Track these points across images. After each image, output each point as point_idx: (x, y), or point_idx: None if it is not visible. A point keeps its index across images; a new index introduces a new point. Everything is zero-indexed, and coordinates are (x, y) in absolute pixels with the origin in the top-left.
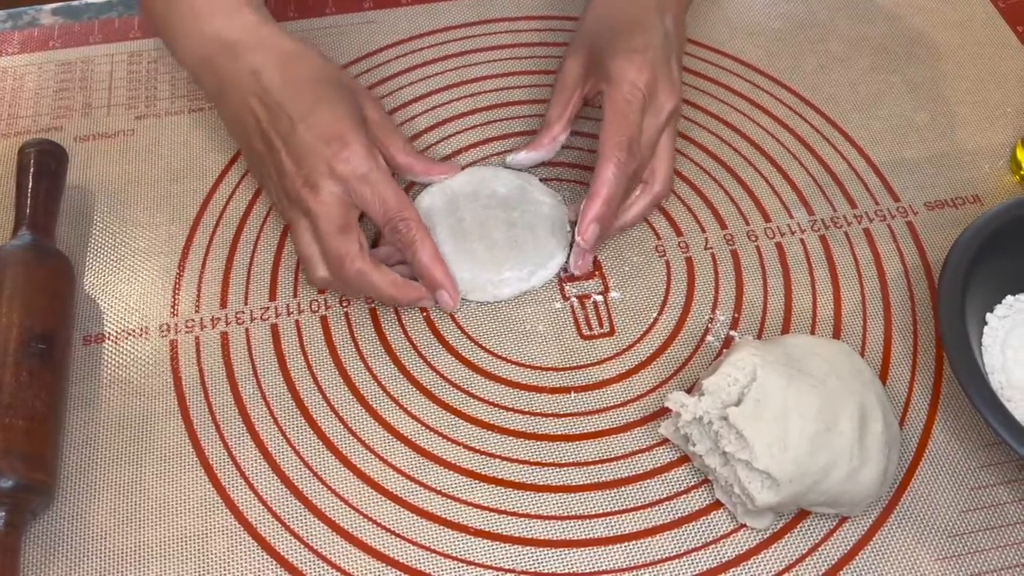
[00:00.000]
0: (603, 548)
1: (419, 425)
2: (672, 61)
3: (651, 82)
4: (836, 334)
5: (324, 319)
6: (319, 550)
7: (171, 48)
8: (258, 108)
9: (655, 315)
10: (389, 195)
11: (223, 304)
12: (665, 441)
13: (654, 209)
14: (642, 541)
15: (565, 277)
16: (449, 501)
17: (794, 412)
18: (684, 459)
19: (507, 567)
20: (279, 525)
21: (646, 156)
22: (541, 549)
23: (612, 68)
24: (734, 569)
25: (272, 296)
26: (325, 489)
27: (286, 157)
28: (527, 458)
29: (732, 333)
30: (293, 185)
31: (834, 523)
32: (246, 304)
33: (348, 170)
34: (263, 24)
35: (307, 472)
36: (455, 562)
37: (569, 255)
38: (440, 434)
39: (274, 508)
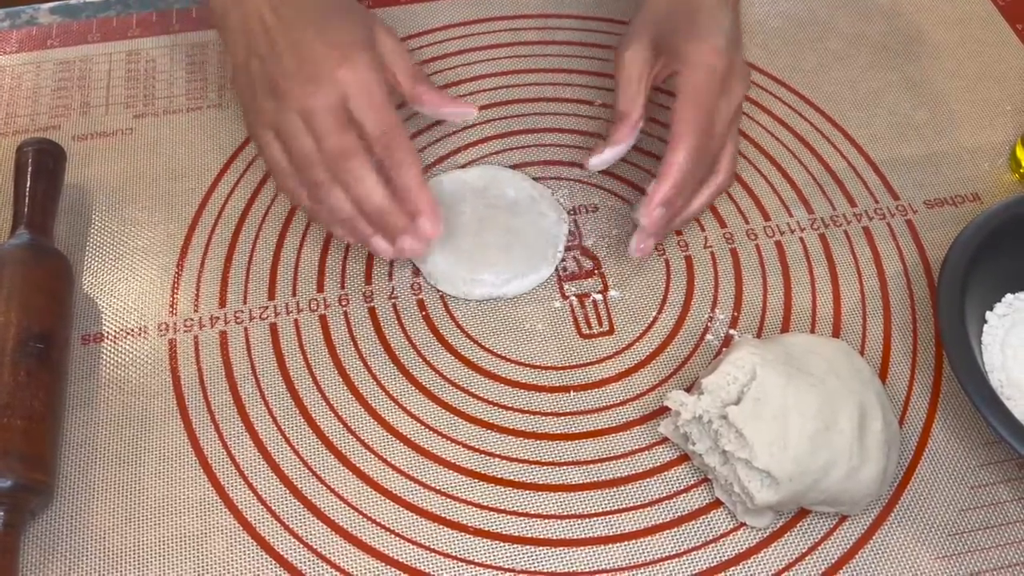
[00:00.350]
0: (602, 547)
1: (418, 424)
2: (739, 50)
3: (727, 68)
4: (835, 333)
5: (323, 318)
6: (318, 549)
7: None
8: (268, 15)
9: (654, 314)
10: (386, 112)
11: (222, 303)
12: (664, 440)
13: (717, 199)
14: (641, 540)
15: (565, 276)
16: (448, 500)
17: (794, 411)
18: (683, 458)
19: (506, 566)
20: (278, 524)
21: (718, 143)
22: (540, 548)
23: (689, 52)
24: (734, 568)
25: (271, 295)
26: (324, 488)
27: (289, 57)
28: (526, 457)
29: (731, 332)
30: (290, 83)
31: (834, 522)
32: (245, 303)
33: (351, 78)
34: None
35: (306, 471)
36: (454, 561)
37: (552, 271)
38: (439, 433)
39: (273, 507)
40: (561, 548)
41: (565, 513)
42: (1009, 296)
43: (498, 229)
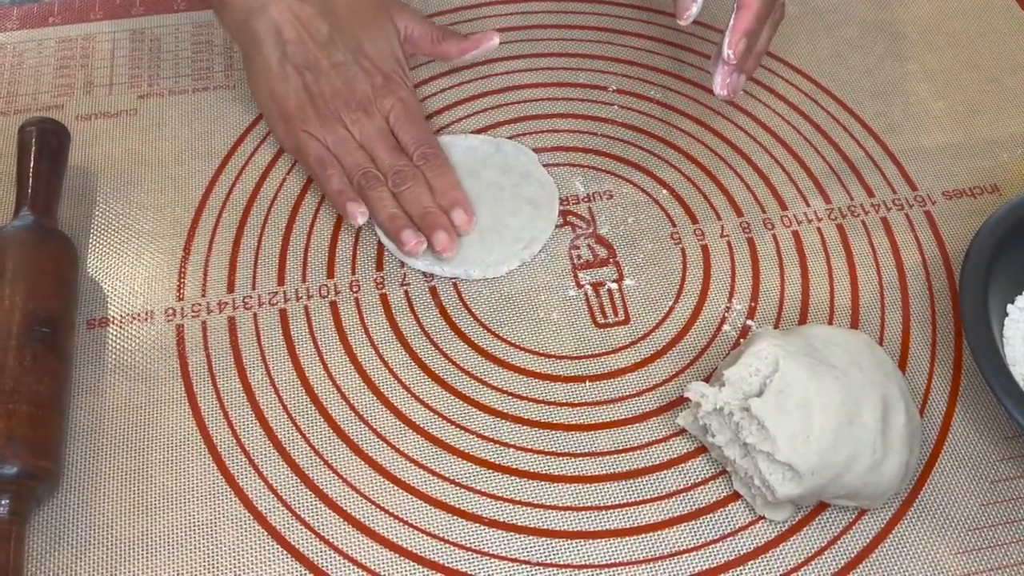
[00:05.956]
0: (619, 540)
1: (431, 413)
2: None
3: None
4: (854, 324)
5: (334, 304)
6: (330, 539)
7: None
8: (299, 29)
9: (671, 303)
10: (422, 127)
11: (230, 288)
12: (682, 431)
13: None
14: (658, 533)
15: (580, 264)
16: (462, 490)
17: (817, 403)
18: (701, 450)
19: (522, 558)
20: (289, 514)
21: None
22: (556, 540)
23: None
24: (752, 562)
25: (280, 281)
26: (336, 477)
27: (334, 77)
28: (541, 448)
29: (749, 322)
30: (337, 104)
31: (853, 516)
32: (254, 288)
33: (391, 102)
34: None
35: (317, 460)
36: (468, 552)
37: (506, 272)
38: (453, 422)
39: (284, 496)
40: (577, 540)
41: (581, 505)
42: None
43: (481, 215)
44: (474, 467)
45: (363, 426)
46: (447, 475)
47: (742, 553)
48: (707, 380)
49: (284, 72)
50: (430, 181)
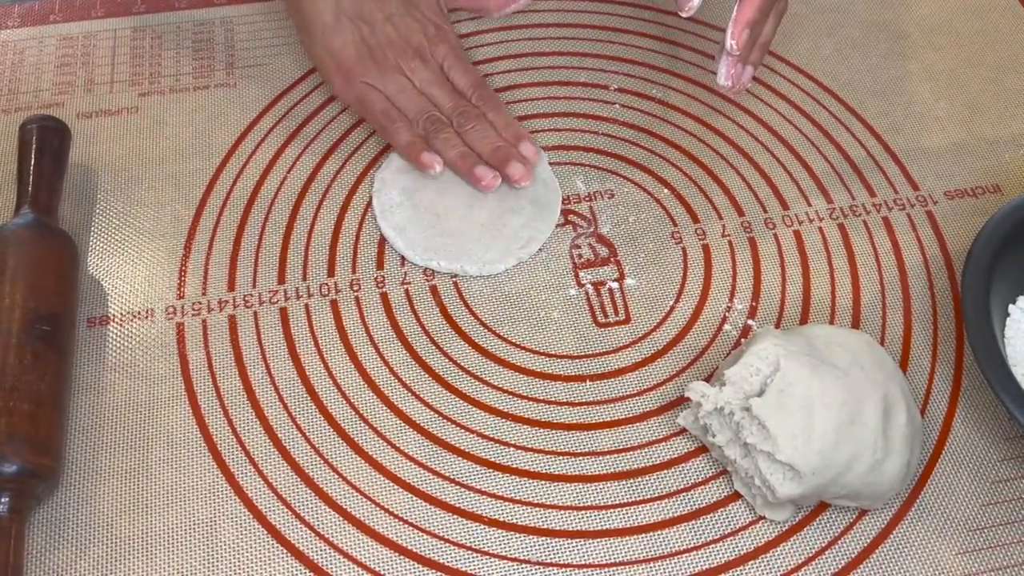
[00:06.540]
0: (619, 539)
1: (431, 412)
2: None
3: None
4: (855, 324)
5: (334, 303)
6: (329, 538)
7: None
8: None
9: (671, 303)
10: (473, 72)
11: (231, 287)
12: (682, 431)
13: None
14: (658, 532)
15: (581, 263)
16: (462, 489)
17: (818, 403)
18: (701, 449)
19: (521, 557)
20: (289, 512)
21: None
22: (556, 539)
23: None
24: (752, 562)
25: (281, 279)
26: (336, 476)
27: (389, 28)
28: (542, 447)
29: (750, 322)
30: (395, 53)
31: (854, 516)
32: (254, 287)
33: (445, 50)
34: None
35: (317, 459)
36: (468, 551)
37: (501, 270)
38: (453, 421)
39: (284, 495)
40: (577, 540)
41: (581, 504)
42: None
43: (476, 211)
44: (474, 466)
45: (363, 425)
46: (447, 474)
47: (742, 553)
48: (708, 380)
49: (339, 25)
50: (491, 120)
